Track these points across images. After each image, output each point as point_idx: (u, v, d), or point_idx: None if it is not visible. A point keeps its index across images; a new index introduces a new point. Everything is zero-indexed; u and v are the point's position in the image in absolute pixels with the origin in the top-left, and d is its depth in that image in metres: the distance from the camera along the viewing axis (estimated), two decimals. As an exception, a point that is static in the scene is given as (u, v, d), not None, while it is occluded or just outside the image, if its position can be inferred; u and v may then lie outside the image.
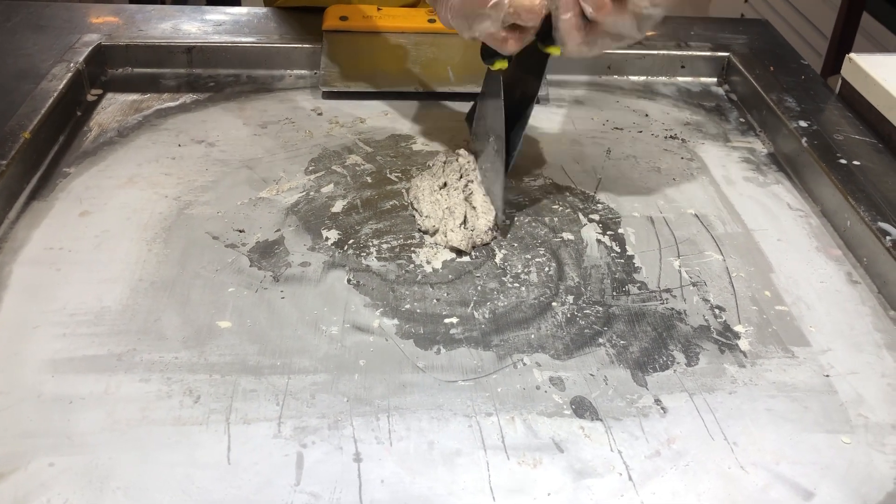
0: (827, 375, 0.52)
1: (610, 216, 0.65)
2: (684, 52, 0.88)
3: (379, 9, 0.88)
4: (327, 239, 0.61)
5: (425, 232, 0.62)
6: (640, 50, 0.87)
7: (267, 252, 0.59)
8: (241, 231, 0.61)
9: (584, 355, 0.52)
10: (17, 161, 0.63)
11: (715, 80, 0.88)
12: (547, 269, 0.59)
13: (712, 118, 0.81)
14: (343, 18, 0.86)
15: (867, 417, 0.49)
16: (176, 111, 0.77)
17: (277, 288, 0.56)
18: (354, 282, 0.57)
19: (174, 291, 0.55)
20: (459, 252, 0.60)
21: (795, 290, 0.59)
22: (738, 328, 0.55)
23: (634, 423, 0.47)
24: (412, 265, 0.59)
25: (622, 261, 0.61)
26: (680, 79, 0.88)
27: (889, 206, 0.63)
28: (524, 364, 0.51)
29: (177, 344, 0.51)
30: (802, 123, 0.74)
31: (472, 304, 0.56)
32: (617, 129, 0.78)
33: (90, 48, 0.80)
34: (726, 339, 0.54)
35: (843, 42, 1.85)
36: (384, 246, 0.61)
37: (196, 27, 0.87)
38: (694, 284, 0.59)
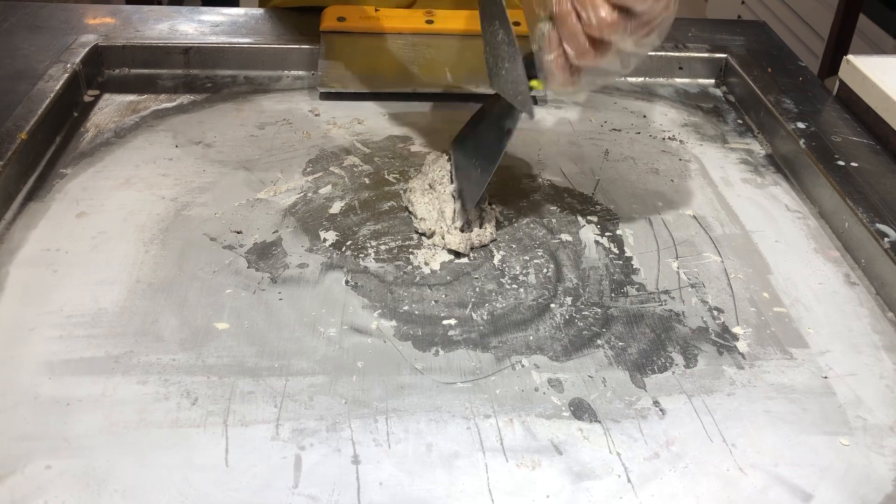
0: (825, 377, 0.52)
1: (608, 217, 0.65)
2: (682, 54, 0.88)
3: (377, 10, 0.88)
4: (325, 240, 0.61)
5: (423, 234, 0.62)
6: (637, 51, 0.87)
7: (264, 253, 0.59)
8: (238, 232, 0.61)
9: (583, 357, 0.52)
10: (13, 162, 0.63)
11: (713, 81, 0.88)
12: (545, 270, 0.59)
13: (710, 119, 0.81)
14: (341, 19, 0.86)
15: (866, 419, 0.49)
16: (173, 112, 0.77)
17: (275, 289, 0.56)
18: (352, 283, 0.57)
19: (171, 293, 0.55)
20: (458, 254, 0.60)
21: (794, 291, 0.59)
22: (736, 330, 0.55)
23: (633, 425, 0.47)
24: (410, 266, 0.59)
25: (620, 262, 0.61)
26: (678, 80, 0.88)
27: (887, 208, 0.63)
28: (523, 366, 0.51)
29: (174, 346, 0.51)
30: (800, 125, 0.74)
31: (470, 306, 0.56)
32: (615, 130, 0.78)
33: (87, 49, 0.80)
34: (725, 341, 0.54)
35: (839, 43, 1.85)
36: (382, 247, 0.61)
37: (193, 28, 0.86)
38: (692, 286, 0.59)
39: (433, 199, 0.63)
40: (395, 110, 0.79)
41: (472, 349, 0.52)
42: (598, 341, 0.53)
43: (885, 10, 1.94)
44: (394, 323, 0.54)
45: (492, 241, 0.61)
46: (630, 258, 0.61)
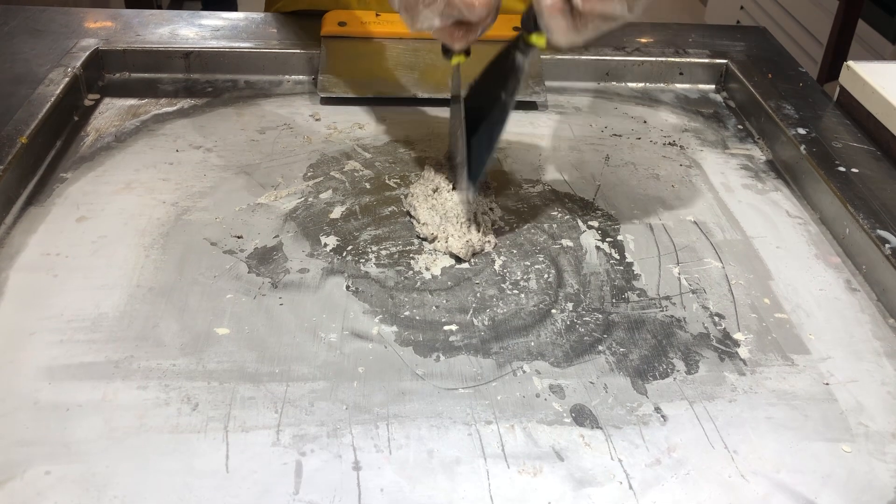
0: (827, 383, 0.51)
1: (609, 223, 0.65)
2: (682, 59, 0.88)
3: (378, 14, 0.88)
4: (326, 245, 0.61)
5: (424, 239, 0.62)
6: (638, 57, 0.87)
7: (265, 258, 0.59)
8: (239, 237, 0.61)
9: (584, 363, 0.52)
10: (13, 166, 0.63)
11: (713, 86, 0.88)
12: (546, 275, 0.59)
13: (711, 125, 0.81)
14: (342, 24, 0.86)
15: (867, 426, 0.49)
16: (174, 116, 0.77)
17: (276, 294, 0.56)
18: (353, 288, 0.57)
19: (172, 298, 0.55)
20: (458, 259, 0.60)
21: (795, 297, 0.59)
22: (737, 336, 0.55)
23: (635, 432, 0.47)
24: (411, 272, 0.59)
25: (621, 268, 0.60)
26: (678, 86, 0.88)
27: (888, 214, 0.63)
28: (524, 372, 0.51)
29: (175, 351, 0.51)
30: (801, 131, 0.74)
31: (471, 311, 0.56)
32: (615, 135, 0.78)
33: (87, 53, 0.79)
34: (726, 347, 0.54)
35: (838, 49, 1.86)
36: (383, 252, 0.61)
37: (194, 32, 0.86)
38: (693, 292, 0.59)
39: (435, 203, 0.63)
40: (395, 115, 0.79)
41: (474, 355, 0.52)
42: (600, 347, 0.53)
43: (884, 15, 1.95)
44: (395, 328, 0.54)
45: (493, 247, 0.61)
46: (631, 264, 0.61)
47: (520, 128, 0.78)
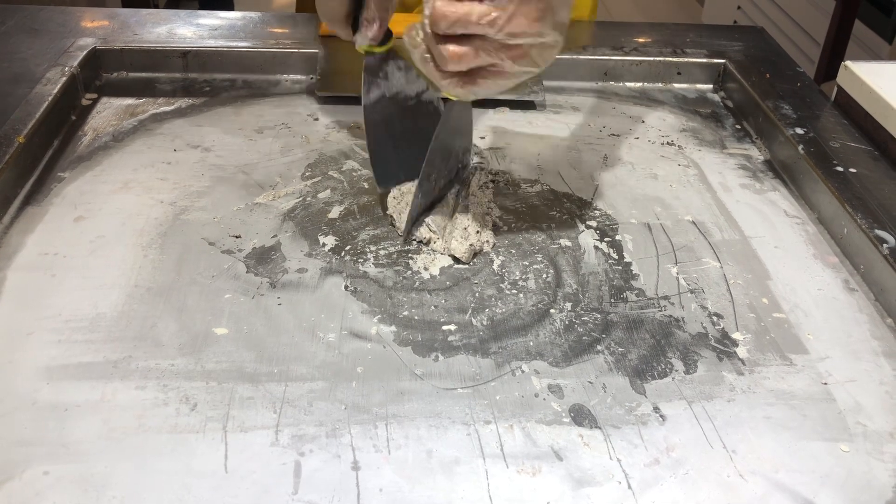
0: (825, 383, 0.52)
1: (607, 223, 0.65)
2: (680, 59, 0.88)
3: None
4: (324, 245, 0.61)
5: (422, 242, 0.61)
6: (636, 57, 0.87)
7: (263, 258, 0.59)
8: (237, 237, 0.61)
9: (583, 363, 0.52)
10: (11, 166, 0.63)
11: (711, 86, 0.89)
12: (545, 275, 0.59)
13: (709, 125, 0.81)
14: (339, 23, 0.85)
15: (866, 426, 0.49)
16: (171, 116, 0.76)
17: (274, 294, 0.56)
18: (352, 288, 0.57)
19: (170, 298, 0.55)
20: (457, 259, 0.60)
21: (793, 297, 0.59)
22: (736, 335, 0.55)
23: (633, 431, 0.47)
24: (409, 272, 0.59)
25: (620, 268, 0.60)
26: (676, 85, 0.88)
27: (886, 214, 0.63)
28: (523, 371, 0.51)
29: (173, 351, 0.51)
30: (799, 130, 0.74)
31: (470, 311, 0.56)
32: (614, 135, 0.78)
33: (85, 52, 0.79)
34: (724, 347, 0.54)
35: (835, 48, 1.86)
36: (381, 252, 0.61)
37: (191, 31, 0.86)
38: (692, 291, 0.59)
39: (438, 207, 0.63)
40: (393, 115, 0.78)
41: (472, 355, 0.52)
42: (598, 347, 0.53)
43: (881, 15, 1.95)
44: (393, 328, 0.54)
45: (492, 247, 0.61)
46: (629, 263, 0.61)
47: (518, 127, 0.78)
